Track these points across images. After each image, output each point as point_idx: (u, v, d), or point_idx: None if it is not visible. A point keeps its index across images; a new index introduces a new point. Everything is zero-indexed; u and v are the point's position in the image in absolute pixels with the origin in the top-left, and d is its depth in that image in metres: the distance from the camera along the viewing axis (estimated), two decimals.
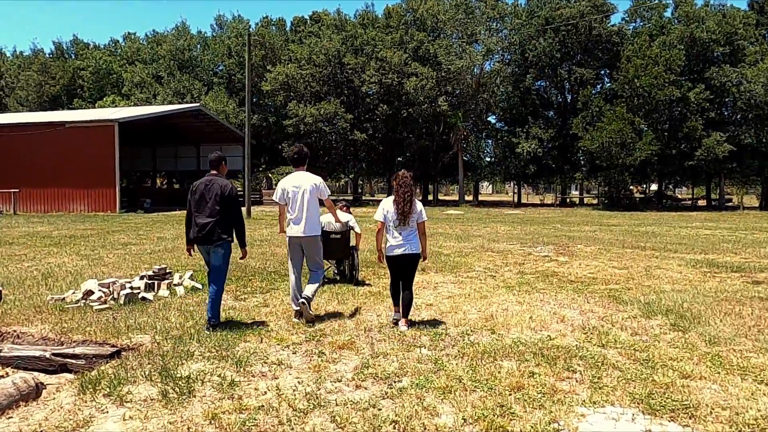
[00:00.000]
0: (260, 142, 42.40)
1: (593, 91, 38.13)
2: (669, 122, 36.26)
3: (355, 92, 39.09)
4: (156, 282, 7.85)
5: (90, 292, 7.23)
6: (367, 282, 9.13)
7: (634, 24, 41.03)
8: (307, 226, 6.09)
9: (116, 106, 39.75)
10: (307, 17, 45.49)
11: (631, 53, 35.53)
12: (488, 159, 44.02)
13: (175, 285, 7.89)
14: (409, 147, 40.99)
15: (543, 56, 37.39)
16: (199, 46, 47.72)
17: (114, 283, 7.39)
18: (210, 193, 5.74)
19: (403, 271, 5.96)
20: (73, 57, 48.84)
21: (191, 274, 8.29)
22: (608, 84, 40.17)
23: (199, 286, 7.99)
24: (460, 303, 7.13)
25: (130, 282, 7.90)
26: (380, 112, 37.76)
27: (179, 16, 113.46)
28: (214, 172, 6.01)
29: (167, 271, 8.21)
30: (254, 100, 43.33)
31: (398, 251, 5.85)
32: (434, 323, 6.15)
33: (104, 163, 28.73)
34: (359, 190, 55.41)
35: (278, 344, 5.41)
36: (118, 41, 51.71)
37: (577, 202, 44.41)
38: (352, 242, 8.66)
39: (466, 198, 46.07)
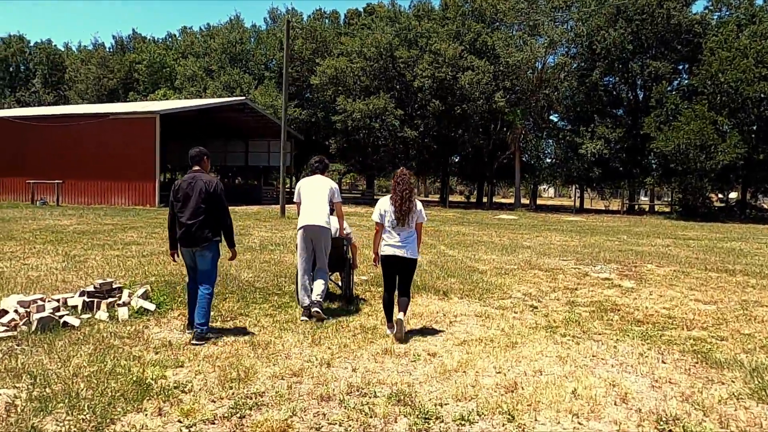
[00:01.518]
0: (309, 138, 41.24)
1: (669, 87, 34.48)
2: (758, 122, 32.21)
3: (407, 87, 37.13)
4: (96, 300, 6.27)
5: (4, 312, 5.71)
6: (362, 299, 7.43)
7: (719, 13, 36.92)
8: (319, 217, 6.12)
9: (167, 99, 39.66)
10: (361, 9, 44.09)
11: (716, 45, 31.77)
12: (548, 160, 41.01)
13: (119, 305, 6.26)
14: (462, 146, 38.68)
15: (613, 48, 34.13)
16: (252, 39, 47.21)
17: (34, 302, 5.83)
18: (193, 190, 5.36)
19: (398, 275, 5.61)
20: (131, 51, 49.47)
21: (144, 291, 6.65)
22: (687, 79, 36.35)
23: (150, 307, 6.34)
24: (476, 355, 5.09)
25: (71, 297, 6.37)
26: (432, 108, 35.65)
27: (234, 9, 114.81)
28: (197, 168, 5.56)
29: (114, 286, 6.61)
30: (303, 95, 42.26)
31: (393, 251, 5.49)
32: (426, 391, 4.18)
33: (145, 156, 28.22)
34: None
35: (181, 421, 3.62)
36: (174, 35, 52.41)
37: (647, 210, 40.67)
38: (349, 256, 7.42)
39: (523, 201, 43.23)
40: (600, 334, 5.94)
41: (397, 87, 37.51)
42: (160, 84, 43.92)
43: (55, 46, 52.99)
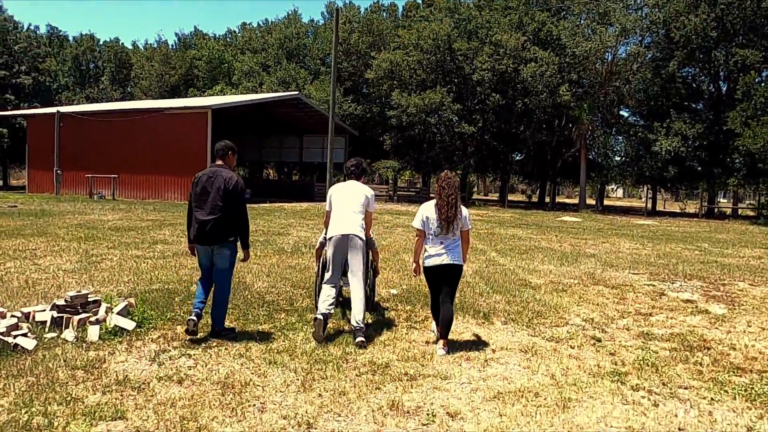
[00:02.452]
0: (363, 133, 40.33)
1: (758, 78, 31.08)
2: None
3: (465, 80, 35.42)
4: (66, 316, 5.36)
5: None
6: (386, 320, 6.21)
7: None
8: (353, 226, 5.53)
9: (224, 94, 39.82)
10: (420, 1, 42.67)
11: None
12: (617, 158, 38.21)
13: (92, 322, 5.32)
14: (524, 142, 36.59)
15: (693, 36, 31.11)
16: (310, 34, 46.82)
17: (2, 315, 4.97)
18: (212, 186, 5.11)
19: (444, 284, 5.25)
20: (192, 48, 50.26)
21: (125, 306, 5.69)
22: None
23: (128, 326, 5.37)
24: (512, 419, 3.76)
25: (41, 311, 5.51)
26: (492, 102, 33.81)
27: (292, 5, 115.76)
28: (220, 162, 5.30)
29: (91, 299, 5.68)
30: (359, 89, 41.39)
31: (438, 261, 5.15)
32: None
33: (197, 151, 28.07)
34: (467, 189, 51.72)
35: None
36: (234, 32, 52.83)
37: (729, 214, 37.16)
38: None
39: (589, 202, 40.62)
40: (687, 389, 4.45)
41: (455, 81, 35.88)
42: (219, 80, 44.26)
43: (122, 44, 54.78)
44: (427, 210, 5.23)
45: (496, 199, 49.16)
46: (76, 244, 11.20)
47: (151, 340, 5.19)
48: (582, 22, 34.89)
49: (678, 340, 5.86)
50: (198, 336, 5.25)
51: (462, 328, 6.05)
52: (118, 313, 5.50)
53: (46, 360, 4.54)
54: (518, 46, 33.12)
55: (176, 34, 72.79)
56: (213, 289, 5.33)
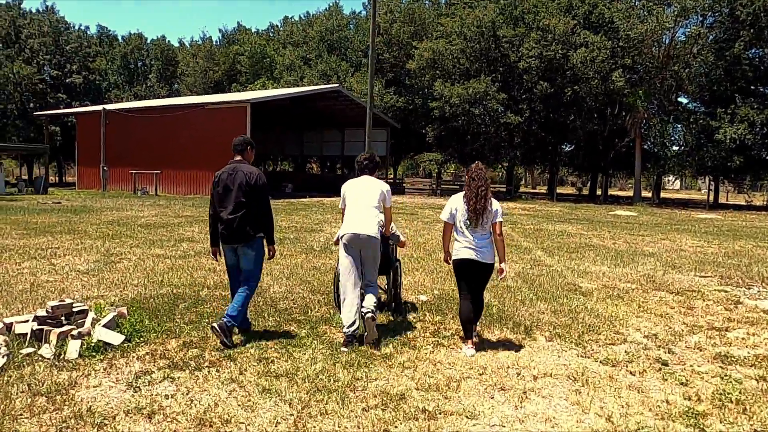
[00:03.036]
0: (406, 125, 39.42)
1: None
2: None
3: (510, 69, 33.90)
4: (47, 329, 4.78)
5: None
6: (407, 320, 5.52)
7: None
8: (368, 225, 5.17)
9: (265, 88, 39.69)
10: None
11: None
12: (676, 148, 35.87)
13: (73, 336, 4.72)
14: (573, 132, 34.80)
15: (762, 14, 28.66)
16: (352, 25, 46.17)
17: None
18: (234, 182, 4.97)
19: (472, 281, 5.01)
20: (235, 43, 50.52)
21: (113, 317, 5.07)
22: None
23: (114, 340, 4.75)
24: None
25: (23, 322, 4.96)
26: (539, 90, 32.22)
27: None
28: (239, 158, 5.17)
29: (77, 308, 5.09)
30: (401, 81, 40.45)
31: (466, 255, 4.90)
32: None
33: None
34: (513, 182, 50.04)
35: None
36: (277, 26, 52.85)
37: None
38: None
39: (644, 195, 38.41)
40: None
41: (500, 69, 34.42)
42: (261, 74, 44.23)
43: (168, 42, 55.67)
44: (456, 202, 5.02)
45: (544, 192, 47.35)
46: (100, 243, 10.86)
47: (137, 358, 4.54)
48: (637, 2, 32.77)
49: (766, 365, 4.78)
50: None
51: (498, 344, 5.16)
52: (104, 326, 4.88)
53: (9, 383, 3.95)
54: (567, 31, 31.42)
55: (220, 31, 73.68)
56: (238, 291, 5.07)
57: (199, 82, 48.02)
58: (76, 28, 47.41)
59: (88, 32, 49.75)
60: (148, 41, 54.97)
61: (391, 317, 6.02)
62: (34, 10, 46.18)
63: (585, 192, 47.64)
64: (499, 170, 52.01)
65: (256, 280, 5.18)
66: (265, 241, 5.15)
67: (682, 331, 5.80)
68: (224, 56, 48.06)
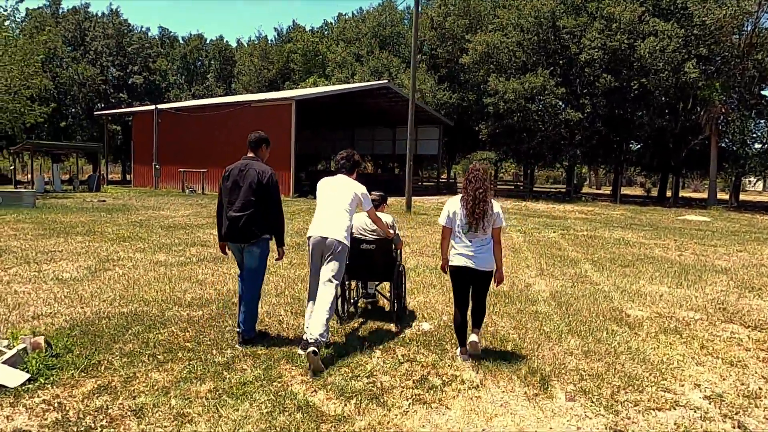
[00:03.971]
0: (460, 123, 37.89)
1: None
2: None
3: (570, 61, 31.70)
4: None
5: None
6: (406, 342, 4.68)
7: None
8: (334, 227, 4.79)
9: (316, 86, 39.24)
10: None
11: None
12: (758, 145, 32.51)
13: None
14: (641, 129, 32.17)
15: None
16: (406, 21, 45.03)
17: None
18: (245, 180, 4.81)
19: (469, 289, 4.72)
20: (289, 42, 50.54)
21: (24, 347, 4.18)
22: None
23: (10, 383, 3.85)
24: None
25: None
26: (602, 84, 29.90)
27: None
28: (251, 155, 5.01)
29: None
30: (455, 76, 38.93)
31: (464, 262, 4.61)
32: None
33: (281, 144, 27.43)
34: (575, 182, 47.37)
35: None
36: (331, 23, 52.40)
37: None
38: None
39: (720, 197, 35.16)
40: None
41: (560, 62, 32.30)
42: (313, 72, 43.90)
43: (226, 42, 56.50)
44: (453, 205, 4.72)
45: (608, 193, 44.50)
46: (107, 246, 10.30)
47: (26, 408, 3.62)
48: None
49: None
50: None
51: (500, 400, 3.91)
52: (6, 361, 4.00)
53: None
54: (634, 19, 28.98)
55: (275, 29, 74.30)
56: (242, 295, 4.97)
57: (254, 80, 48.30)
58: (138, 29, 48.74)
59: (149, 34, 51.15)
60: (207, 42, 55.98)
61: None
62: (100, 14, 47.81)
63: (654, 193, 44.43)
64: (559, 170, 49.44)
65: (260, 278, 5.04)
66: (274, 242, 5.02)
67: (761, 389, 4.33)
68: (278, 55, 48.13)
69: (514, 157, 37.19)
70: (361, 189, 5.08)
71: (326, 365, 4.39)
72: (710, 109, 29.35)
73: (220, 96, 49.30)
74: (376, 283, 6.19)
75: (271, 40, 54.34)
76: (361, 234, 5.56)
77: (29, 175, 35.11)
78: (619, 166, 37.58)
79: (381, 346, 4.97)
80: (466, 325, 4.73)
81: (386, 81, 33.07)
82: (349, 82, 39.56)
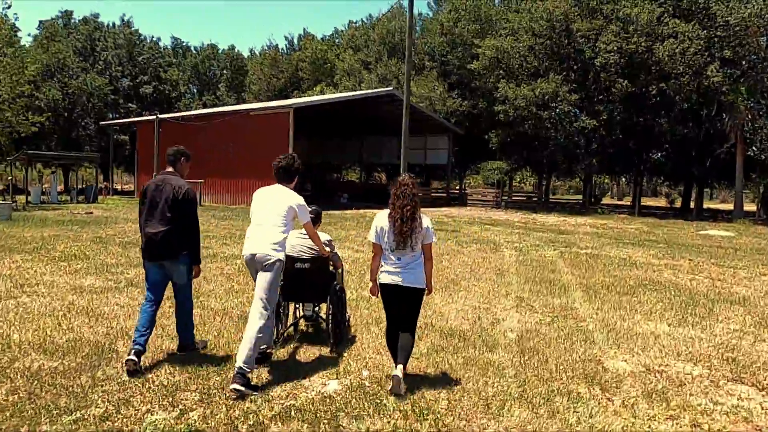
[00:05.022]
0: (471, 131, 36.52)
1: None
2: None
3: (585, 66, 30.16)
4: None
5: None
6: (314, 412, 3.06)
7: None
8: (266, 243, 4.53)
9: (323, 94, 38.35)
10: None
11: None
12: None
13: None
14: (661, 136, 30.46)
15: None
16: (418, 27, 43.96)
17: None
18: (161, 195, 4.70)
19: (399, 308, 4.50)
20: (298, 50, 49.96)
21: None
22: None
23: None
24: None
25: None
26: (619, 89, 28.32)
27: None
28: (170, 169, 4.90)
29: None
30: (466, 83, 37.63)
31: (391, 279, 4.42)
32: None
33: (278, 154, 26.45)
34: (596, 192, 45.55)
35: None
36: (342, 30, 51.63)
37: None
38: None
39: (748, 209, 33.05)
40: None
41: (574, 67, 30.81)
42: (322, 80, 43.09)
43: (238, 51, 56.20)
44: (381, 221, 4.49)
45: (628, 204, 42.52)
46: (40, 266, 9.31)
47: None
48: None
49: None
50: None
51: None
52: None
53: None
54: (652, 20, 27.39)
55: (285, 38, 74.11)
56: (176, 307, 5.03)
57: (263, 90, 47.72)
58: (149, 39, 48.63)
59: (160, 43, 51.05)
60: (220, 51, 55.77)
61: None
62: (111, 24, 47.83)
63: (678, 204, 42.32)
64: (576, 180, 47.63)
65: (190, 291, 4.97)
66: (190, 259, 4.83)
67: None
68: (287, 63, 47.50)
69: (526, 167, 35.66)
70: (298, 200, 4.73)
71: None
72: (735, 115, 27.52)
73: (231, 105, 48.83)
74: (315, 304, 5.73)
75: (283, 49, 53.89)
76: (298, 253, 5.26)
77: (38, 185, 34.82)
78: (639, 176, 35.74)
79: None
80: (398, 340, 4.42)
81: (391, 88, 31.93)
82: (356, 90, 38.60)
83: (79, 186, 34.43)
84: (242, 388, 4.04)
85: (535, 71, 31.20)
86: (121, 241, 12.85)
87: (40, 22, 46.66)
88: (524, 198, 35.94)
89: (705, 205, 39.14)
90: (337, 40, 49.72)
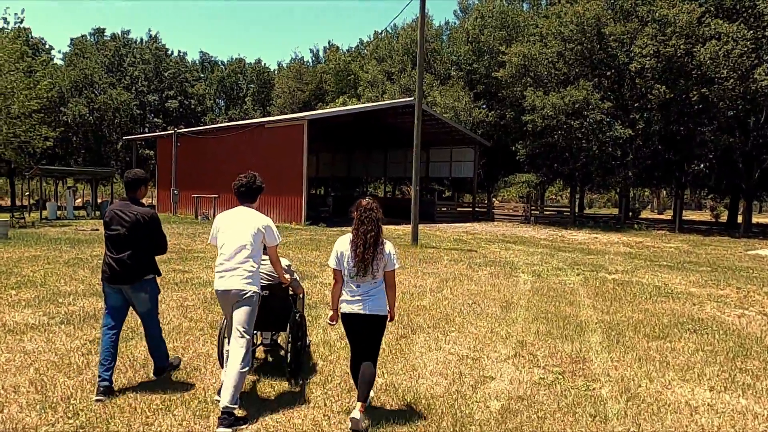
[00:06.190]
0: (498, 143, 34.89)
1: None
2: None
3: (619, 72, 28.20)
4: None
5: None
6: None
7: None
8: (237, 277, 4.35)
9: (345, 105, 37.39)
10: None
11: None
12: None
13: None
14: (703, 146, 28.17)
15: None
16: (444, 36, 42.64)
17: None
18: (122, 221, 4.67)
19: (361, 337, 4.29)
20: (323, 62, 49.30)
21: None
22: None
23: None
24: None
25: None
26: (656, 96, 26.29)
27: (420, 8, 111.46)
28: (131, 194, 4.88)
29: None
30: (493, 93, 36.07)
31: (352, 308, 4.22)
32: None
33: (293, 168, 25.51)
34: (635, 206, 43.10)
35: None
36: (367, 41, 50.68)
37: None
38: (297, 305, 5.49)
39: None
40: None
41: (606, 73, 28.90)
42: (345, 92, 42.18)
43: (264, 65, 55.97)
44: (342, 245, 4.24)
45: (669, 219, 39.93)
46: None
47: None
48: None
49: None
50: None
51: None
52: None
53: None
54: (692, 21, 25.35)
55: (310, 50, 73.95)
56: (144, 332, 4.97)
57: (288, 103, 47.16)
58: (176, 54, 48.75)
59: (187, 58, 51.20)
60: (247, 65, 55.68)
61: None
62: (139, 40, 48.18)
63: (724, 218, 39.50)
64: (613, 193, 45.17)
65: (156, 315, 4.91)
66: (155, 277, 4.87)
67: None
68: (312, 76, 46.84)
69: (557, 180, 33.70)
70: (265, 221, 4.56)
71: None
72: None
73: (254, 119, 48.47)
74: (273, 333, 5.36)
75: (307, 62, 53.39)
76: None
77: (53, 201, 34.76)
78: (680, 188, 33.35)
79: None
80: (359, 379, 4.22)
81: (412, 99, 30.65)
82: (378, 101, 37.50)
83: (99, 201, 34.18)
84: (229, 430, 3.91)
85: (565, 78, 29.44)
86: (98, 263, 11.85)
87: (71, 39, 47.37)
88: (555, 213, 33.91)
89: (754, 220, 36.34)
90: (362, 51, 48.90)
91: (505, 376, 5.34)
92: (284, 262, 5.18)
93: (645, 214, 52.04)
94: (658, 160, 30.43)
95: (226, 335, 4.60)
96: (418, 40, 18.14)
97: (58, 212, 27.64)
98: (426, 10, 17.82)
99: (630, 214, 36.34)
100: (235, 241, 4.39)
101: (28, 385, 4.74)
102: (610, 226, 29.75)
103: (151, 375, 5.04)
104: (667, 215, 52.65)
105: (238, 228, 4.43)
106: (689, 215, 44.99)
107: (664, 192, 52.87)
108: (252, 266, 4.39)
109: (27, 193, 30.65)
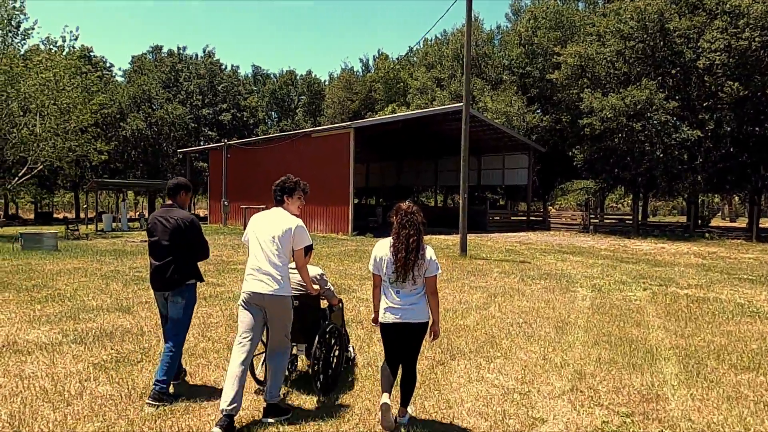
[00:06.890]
0: (554, 149, 33.35)
1: None
2: None
3: (685, 69, 26.24)
4: None
5: None
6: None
7: None
8: (269, 279, 4.21)
9: (394, 113, 36.84)
10: None
11: None
12: None
13: None
14: None
15: None
16: (496, 40, 41.48)
17: None
18: (164, 226, 4.69)
19: (400, 346, 4.11)
20: (372, 71, 49.08)
21: None
22: None
23: None
24: None
25: None
26: (728, 94, 24.26)
27: (476, 12, 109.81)
28: (170, 202, 4.92)
29: None
30: (548, 96, 34.60)
31: (392, 318, 4.05)
32: None
33: (340, 177, 25.07)
34: (705, 213, 40.30)
35: None
36: (417, 49, 50.25)
37: None
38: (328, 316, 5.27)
39: None
40: None
41: (671, 71, 27.00)
42: (395, 100, 41.69)
43: (315, 76, 56.37)
44: (381, 250, 4.08)
45: (743, 227, 37.03)
46: (6, 309, 8.05)
47: None
48: None
49: None
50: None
51: None
52: None
53: None
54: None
55: (360, 60, 74.10)
56: (164, 340, 4.77)
57: (338, 113, 47.14)
58: (228, 68, 49.75)
59: (239, 71, 52.19)
60: (298, 77, 56.28)
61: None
62: (194, 55, 49.46)
63: None
64: (680, 200, 42.45)
65: (184, 331, 4.75)
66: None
67: None
68: (361, 85, 46.67)
69: (618, 186, 31.76)
70: (295, 222, 4.38)
71: None
72: None
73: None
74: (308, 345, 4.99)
75: (357, 72, 53.36)
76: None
77: (108, 213, 35.82)
78: (756, 194, 30.74)
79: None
80: (394, 376, 4.09)
81: (460, 104, 29.72)
82: (428, 108, 36.78)
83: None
84: (273, 420, 4.09)
85: (625, 78, 27.74)
86: (136, 276, 11.59)
87: (132, 57, 49.13)
88: (616, 221, 31.98)
89: None
90: (412, 58, 48.40)
91: (560, 418, 4.41)
92: (316, 270, 5.03)
93: (714, 222, 48.71)
94: (730, 163, 28.13)
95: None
96: (465, 39, 17.31)
97: (113, 224, 28.28)
98: (476, 14, 16.95)
99: (699, 222, 33.85)
100: (266, 244, 4.27)
101: (7, 418, 4.21)
102: (677, 235, 27.69)
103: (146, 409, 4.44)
104: (741, 223, 49.08)
105: (269, 231, 4.30)
106: (766, 223, 41.64)
107: (737, 198, 49.34)
108: (282, 270, 4.25)
109: (84, 206, 31.62)
